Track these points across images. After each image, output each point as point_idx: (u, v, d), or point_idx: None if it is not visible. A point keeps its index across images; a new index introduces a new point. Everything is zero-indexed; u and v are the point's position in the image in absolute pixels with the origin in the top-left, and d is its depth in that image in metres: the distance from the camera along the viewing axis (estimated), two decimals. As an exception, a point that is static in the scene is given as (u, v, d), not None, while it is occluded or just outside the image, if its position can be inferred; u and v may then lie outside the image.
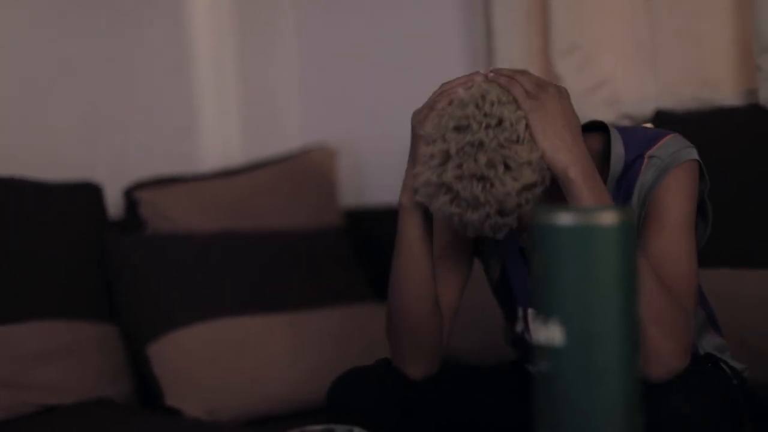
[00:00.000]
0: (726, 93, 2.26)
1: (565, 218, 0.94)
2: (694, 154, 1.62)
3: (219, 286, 2.33)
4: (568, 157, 1.49)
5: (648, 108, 2.32)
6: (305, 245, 2.50)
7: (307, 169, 2.70)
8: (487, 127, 1.47)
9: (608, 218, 0.95)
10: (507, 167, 1.45)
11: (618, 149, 1.62)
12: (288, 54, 2.99)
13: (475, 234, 1.50)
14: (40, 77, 2.52)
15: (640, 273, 1.43)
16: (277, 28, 2.98)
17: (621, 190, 1.62)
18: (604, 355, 0.95)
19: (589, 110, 2.36)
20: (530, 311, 1.72)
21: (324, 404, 1.70)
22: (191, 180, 2.57)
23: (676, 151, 1.60)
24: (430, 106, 1.57)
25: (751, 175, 2.11)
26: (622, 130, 1.66)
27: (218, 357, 2.23)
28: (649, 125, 2.26)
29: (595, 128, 1.67)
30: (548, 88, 1.53)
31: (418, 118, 1.58)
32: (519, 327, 1.75)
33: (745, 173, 2.11)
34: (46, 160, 2.45)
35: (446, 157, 1.48)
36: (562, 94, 1.55)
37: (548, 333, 0.94)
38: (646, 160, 1.61)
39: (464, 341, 2.37)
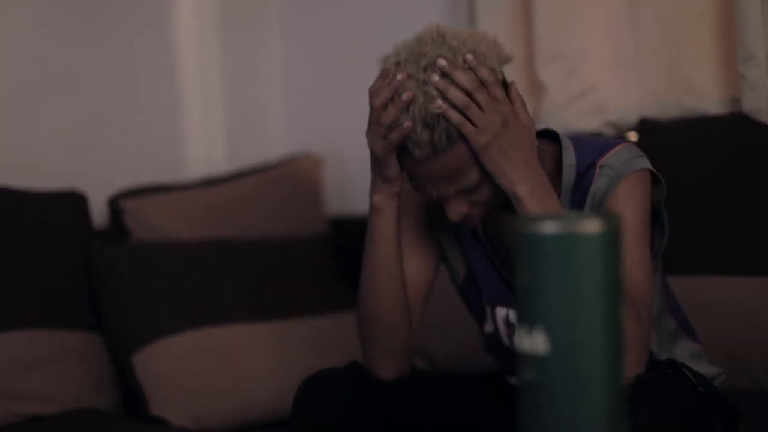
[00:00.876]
0: (710, 101, 2.26)
1: (549, 227, 0.94)
2: (645, 163, 1.63)
3: (204, 294, 2.33)
4: (516, 176, 1.53)
5: (632, 116, 2.32)
6: (290, 253, 2.50)
7: (292, 178, 2.69)
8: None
9: (592, 227, 0.95)
10: (443, 74, 1.51)
11: (569, 159, 1.63)
12: (272, 63, 2.99)
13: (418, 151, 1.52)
14: (24, 86, 2.52)
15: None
16: (262, 37, 2.98)
17: (576, 200, 1.63)
18: (588, 364, 0.95)
19: (573, 118, 2.37)
20: (498, 310, 1.73)
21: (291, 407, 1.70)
22: (176, 189, 2.57)
23: (628, 160, 1.61)
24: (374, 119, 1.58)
25: (735, 182, 2.12)
26: (575, 140, 1.67)
27: (203, 365, 2.23)
28: (633, 134, 2.28)
29: (549, 135, 1.69)
30: (498, 111, 1.54)
31: (370, 136, 1.61)
32: (489, 327, 1.75)
33: (728, 181, 2.12)
34: (31, 169, 2.44)
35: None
36: (517, 114, 1.57)
37: (532, 342, 0.95)
38: (597, 169, 1.62)
39: (447, 352, 2.38)
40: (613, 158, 1.62)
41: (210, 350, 2.25)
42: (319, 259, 2.54)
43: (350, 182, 2.89)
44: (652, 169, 1.63)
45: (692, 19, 2.27)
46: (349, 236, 2.70)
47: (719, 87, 2.26)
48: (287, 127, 3.00)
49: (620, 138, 1.68)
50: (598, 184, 1.61)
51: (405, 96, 1.51)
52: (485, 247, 1.71)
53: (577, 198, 1.63)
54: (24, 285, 2.21)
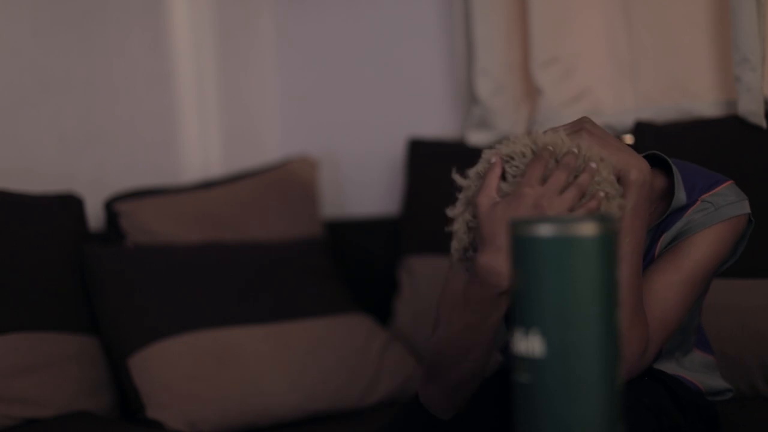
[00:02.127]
0: (705, 104, 2.27)
1: (545, 229, 0.95)
2: (746, 207, 1.61)
3: (199, 297, 2.33)
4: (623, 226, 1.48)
5: (628, 119, 2.33)
6: (285, 256, 2.50)
7: (288, 180, 2.70)
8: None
9: (588, 229, 0.95)
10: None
11: (681, 195, 1.60)
12: (268, 66, 3.00)
13: None
14: (20, 91, 2.52)
15: (624, 282, 1.44)
16: (257, 41, 2.98)
17: (664, 222, 1.61)
18: (584, 366, 0.95)
19: (568, 121, 2.37)
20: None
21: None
22: (171, 192, 2.57)
23: (732, 203, 1.60)
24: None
25: (730, 185, 2.12)
26: (683, 170, 1.63)
27: (199, 369, 2.23)
28: (628, 137, 2.28)
29: (655, 159, 1.65)
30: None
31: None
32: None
33: (724, 184, 2.13)
34: (27, 172, 2.45)
35: None
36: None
37: (528, 344, 0.95)
38: (699, 202, 1.60)
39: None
40: (717, 196, 1.60)
41: (206, 353, 2.24)
42: (314, 261, 2.54)
43: (345, 185, 2.89)
44: (749, 213, 1.62)
45: (687, 22, 2.28)
46: (344, 239, 2.71)
47: (714, 90, 2.27)
48: (283, 130, 3.00)
49: (722, 175, 1.66)
50: (694, 216, 1.59)
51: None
52: None
53: (667, 220, 1.61)
54: (19, 288, 2.20)
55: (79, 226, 2.38)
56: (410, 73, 2.78)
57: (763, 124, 2.11)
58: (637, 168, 1.48)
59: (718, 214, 1.58)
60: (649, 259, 1.61)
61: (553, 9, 2.38)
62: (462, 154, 2.55)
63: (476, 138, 2.51)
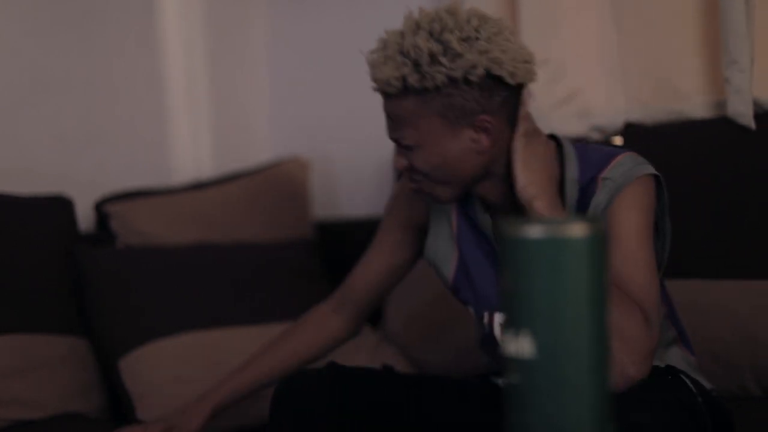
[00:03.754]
0: (695, 105, 2.27)
1: (535, 231, 0.95)
2: (648, 169, 1.63)
3: (190, 299, 2.33)
4: (537, 191, 1.56)
5: (618, 120, 2.33)
6: (277, 257, 2.50)
7: (279, 181, 2.70)
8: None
9: (578, 230, 0.95)
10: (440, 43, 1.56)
11: (572, 173, 1.64)
12: (259, 68, 3.00)
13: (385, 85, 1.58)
14: (11, 92, 2.51)
15: None
16: (248, 42, 2.98)
17: (579, 213, 1.63)
18: (574, 367, 0.95)
19: (559, 123, 2.38)
20: (496, 316, 1.73)
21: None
22: (162, 193, 2.57)
23: (629, 170, 1.61)
24: None
25: (720, 186, 2.12)
26: (579, 148, 1.67)
27: (189, 370, 2.23)
28: (618, 138, 2.28)
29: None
30: (541, 136, 1.63)
31: None
32: (485, 330, 1.75)
33: (713, 185, 2.13)
34: (18, 173, 2.44)
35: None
36: (548, 145, 1.64)
37: (519, 345, 0.95)
38: (600, 182, 1.61)
39: (433, 356, 2.38)
40: (614, 170, 1.61)
41: (197, 354, 2.24)
42: (306, 263, 2.54)
43: (337, 186, 2.89)
44: (656, 173, 1.64)
45: (677, 24, 2.28)
46: (335, 240, 2.71)
47: (704, 91, 2.27)
48: (274, 131, 3.00)
49: (622, 147, 1.68)
50: (600, 198, 1.60)
51: None
52: (490, 242, 1.72)
53: (582, 210, 1.63)
54: (9, 289, 2.20)
55: (70, 228, 2.38)
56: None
57: (752, 125, 2.12)
58: None
59: (620, 185, 1.60)
60: None
61: (543, 11, 2.39)
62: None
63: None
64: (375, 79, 1.60)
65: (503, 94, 1.58)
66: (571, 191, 1.63)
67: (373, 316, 2.54)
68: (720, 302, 2.05)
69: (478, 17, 1.57)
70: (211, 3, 2.91)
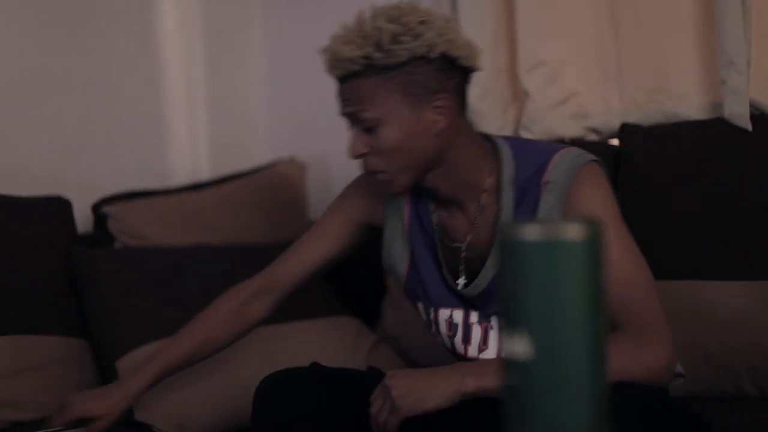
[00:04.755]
0: (691, 107, 2.28)
1: (531, 233, 0.95)
2: (588, 156, 1.65)
3: (188, 300, 2.32)
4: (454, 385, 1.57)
5: (614, 122, 2.34)
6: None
7: (276, 183, 2.70)
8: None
9: (574, 233, 0.96)
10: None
11: (508, 176, 1.67)
12: (256, 69, 3.00)
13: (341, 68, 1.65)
14: (9, 93, 2.52)
15: None
16: (245, 45, 2.98)
17: (520, 215, 1.65)
18: (572, 369, 0.95)
19: (555, 125, 2.38)
20: (441, 312, 1.77)
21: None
22: (159, 194, 2.57)
23: (569, 166, 1.64)
24: None
25: (716, 187, 2.13)
26: (515, 146, 1.71)
27: (188, 371, 2.23)
28: (614, 140, 2.29)
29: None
30: (475, 135, 1.72)
31: None
32: (432, 329, 1.78)
33: (709, 186, 2.13)
34: (16, 175, 2.44)
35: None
36: (483, 145, 1.72)
37: (516, 347, 0.95)
38: (543, 187, 1.64)
39: (432, 357, 2.38)
40: (554, 172, 1.64)
41: (194, 356, 2.24)
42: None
43: (334, 188, 2.89)
44: (596, 159, 1.67)
45: (673, 26, 2.29)
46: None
47: (700, 93, 2.28)
48: (271, 133, 3.00)
49: (562, 143, 1.71)
50: (548, 201, 1.63)
51: None
52: (433, 238, 1.75)
53: (522, 213, 1.65)
54: (7, 290, 2.20)
55: (68, 229, 2.38)
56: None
57: (749, 126, 2.12)
58: None
59: (567, 182, 1.63)
60: None
61: (540, 13, 2.39)
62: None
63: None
64: (336, 60, 1.65)
65: (457, 76, 1.66)
66: (507, 193, 1.66)
67: (372, 316, 2.54)
68: (716, 303, 2.06)
69: (430, 8, 1.66)
70: (209, 5, 2.91)
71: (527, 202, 1.65)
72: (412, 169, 1.67)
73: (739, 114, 2.13)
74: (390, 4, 1.66)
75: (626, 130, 2.28)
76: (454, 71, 1.65)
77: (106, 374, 2.25)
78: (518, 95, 2.49)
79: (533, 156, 1.68)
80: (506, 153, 1.69)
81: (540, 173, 1.64)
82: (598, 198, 1.63)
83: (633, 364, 1.52)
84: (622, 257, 1.59)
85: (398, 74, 1.62)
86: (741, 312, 2.03)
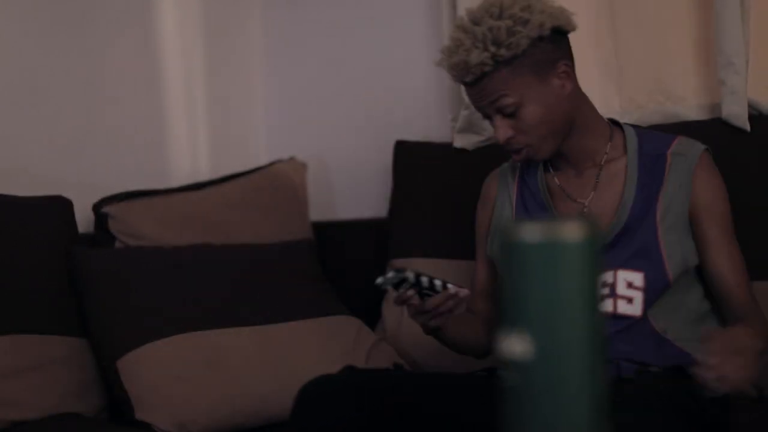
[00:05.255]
0: (690, 107, 2.28)
1: (531, 234, 0.96)
2: (700, 145, 1.86)
3: (188, 299, 2.33)
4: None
5: (613, 122, 2.34)
6: (274, 259, 2.50)
7: (276, 183, 2.70)
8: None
9: (574, 233, 0.96)
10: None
11: (632, 139, 1.88)
12: (256, 70, 3.00)
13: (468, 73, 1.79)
14: (10, 94, 2.51)
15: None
16: (246, 45, 2.99)
17: (653, 183, 1.82)
18: (572, 368, 0.96)
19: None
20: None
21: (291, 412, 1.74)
22: (159, 194, 2.57)
23: (694, 146, 1.85)
24: None
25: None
26: (636, 128, 1.92)
27: (188, 371, 2.23)
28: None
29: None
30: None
31: None
32: None
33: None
34: (16, 175, 2.44)
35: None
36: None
37: (516, 347, 0.96)
38: (669, 158, 1.83)
39: (433, 355, 2.39)
40: (680, 147, 1.85)
41: (195, 355, 2.25)
42: (303, 264, 2.54)
43: (334, 188, 2.90)
44: (705, 147, 1.87)
45: (672, 27, 2.29)
46: (332, 242, 2.71)
47: (699, 93, 2.28)
48: (271, 133, 3.01)
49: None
50: (677, 180, 1.82)
51: None
52: (545, 201, 1.91)
53: (645, 183, 1.82)
54: (8, 290, 2.20)
55: (69, 229, 2.38)
56: (399, 76, 2.78)
57: (747, 126, 2.13)
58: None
59: (693, 160, 1.83)
60: (651, 213, 1.81)
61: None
62: (447, 156, 2.57)
63: (464, 141, 2.52)
64: (468, 68, 1.77)
65: (564, 41, 1.85)
66: (632, 161, 1.84)
67: (372, 316, 2.55)
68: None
69: None
70: (209, 6, 2.92)
71: (653, 172, 1.82)
72: (555, 135, 1.84)
73: (737, 114, 2.13)
74: (481, 3, 1.79)
75: (625, 131, 2.28)
76: (561, 38, 1.84)
77: (107, 374, 2.26)
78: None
79: (655, 135, 1.88)
80: (628, 129, 1.88)
81: (665, 147, 1.84)
82: (723, 189, 1.83)
83: None
84: (738, 249, 1.81)
85: (523, 59, 1.78)
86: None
